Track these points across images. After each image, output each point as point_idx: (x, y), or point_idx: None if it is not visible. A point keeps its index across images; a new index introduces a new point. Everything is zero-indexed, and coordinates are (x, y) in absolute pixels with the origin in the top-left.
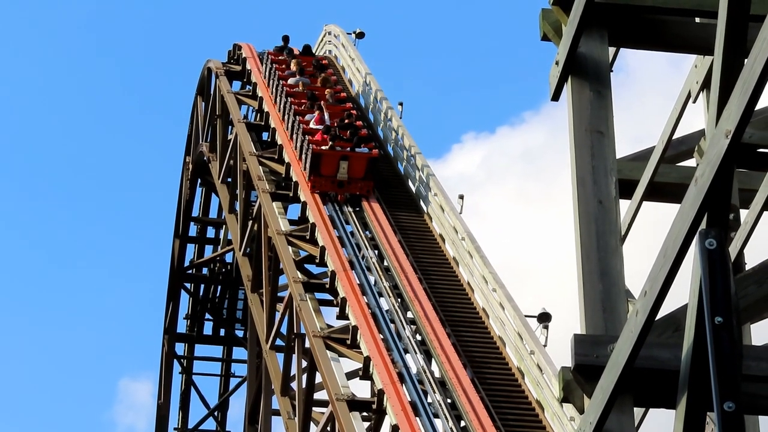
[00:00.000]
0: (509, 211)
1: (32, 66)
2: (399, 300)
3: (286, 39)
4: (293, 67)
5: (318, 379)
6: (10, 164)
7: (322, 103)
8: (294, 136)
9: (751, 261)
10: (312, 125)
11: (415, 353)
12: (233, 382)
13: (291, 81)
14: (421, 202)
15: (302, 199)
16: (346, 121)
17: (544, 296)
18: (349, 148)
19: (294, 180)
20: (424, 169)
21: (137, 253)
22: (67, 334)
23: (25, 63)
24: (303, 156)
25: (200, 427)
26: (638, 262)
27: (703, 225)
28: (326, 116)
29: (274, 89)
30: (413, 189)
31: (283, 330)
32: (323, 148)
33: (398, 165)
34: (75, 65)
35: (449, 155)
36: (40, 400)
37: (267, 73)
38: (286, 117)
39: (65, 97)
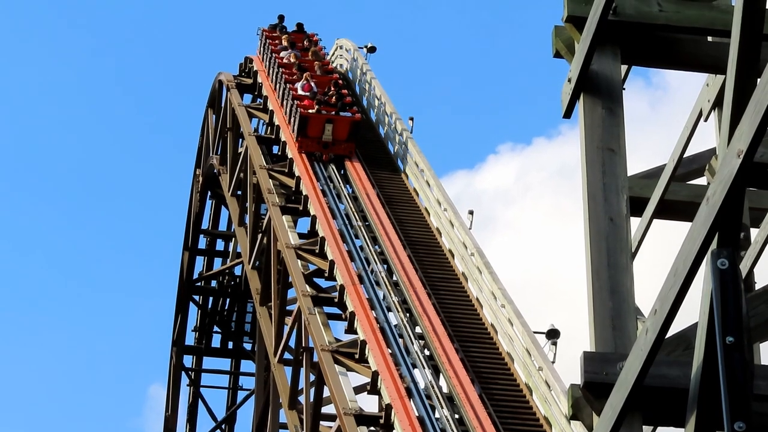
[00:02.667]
0: (544, 227)
1: (42, 79)
2: (408, 315)
3: (281, 18)
4: (285, 41)
5: (326, 393)
6: (14, 174)
7: (310, 73)
8: (284, 102)
9: (761, 280)
10: (300, 92)
11: (424, 368)
12: (241, 395)
13: (283, 54)
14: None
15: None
16: (332, 89)
17: (575, 314)
18: (333, 112)
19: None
20: (435, 190)
21: (147, 264)
22: (97, 342)
23: (33, 76)
24: (292, 119)
25: None
26: (648, 279)
27: (714, 244)
28: (314, 84)
29: (267, 62)
30: (427, 209)
31: (292, 343)
32: (310, 111)
33: (409, 181)
34: (85, 78)
35: (484, 165)
36: (71, 405)
37: (261, 47)
38: (277, 86)
39: (76, 111)
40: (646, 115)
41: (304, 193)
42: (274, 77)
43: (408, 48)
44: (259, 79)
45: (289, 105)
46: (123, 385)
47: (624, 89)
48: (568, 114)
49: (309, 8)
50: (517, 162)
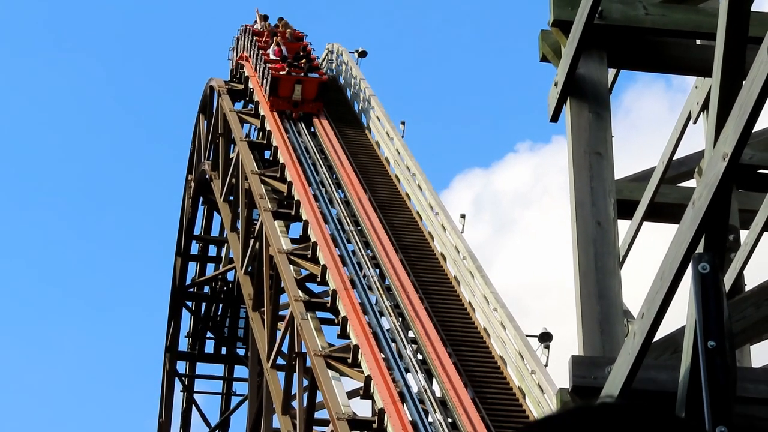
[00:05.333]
0: (561, 228)
1: (32, 86)
2: (400, 319)
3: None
4: (257, 14)
5: (319, 398)
6: (4, 181)
7: (281, 39)
8: (257, 66)
9: (752, 282)
10: (272, 56)
11: (416, 372)
12: (234, 400)
13: (257, 26)
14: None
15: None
16: (301, 53)
17: None
18: (302, 74)
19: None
20: (427, 194)
21: (139, 270)
22: (110, 343)
23: (24, 83)
24: (264, 81)
25: None
26: (639, 282)
27: (700, 247)
28: (284, 49)
29: (242, 35)
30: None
31: (285, 349)
32: (281, 73)
33: (401, 185)
34: (77, 85)
35: (501, 163)
36: (85, 407)
37: (241, 39)
38: (251, 53)
39: (67, 118)
40: (666, 117)
41: (296, 198)
42: (248, 45)
43: (426, 46)
44: (251, 85)
45: (261, 68)
46: (136, 387)
47: (610, 92)
48: (555, 118)
49: (308, 11)
50: (535, 161)
